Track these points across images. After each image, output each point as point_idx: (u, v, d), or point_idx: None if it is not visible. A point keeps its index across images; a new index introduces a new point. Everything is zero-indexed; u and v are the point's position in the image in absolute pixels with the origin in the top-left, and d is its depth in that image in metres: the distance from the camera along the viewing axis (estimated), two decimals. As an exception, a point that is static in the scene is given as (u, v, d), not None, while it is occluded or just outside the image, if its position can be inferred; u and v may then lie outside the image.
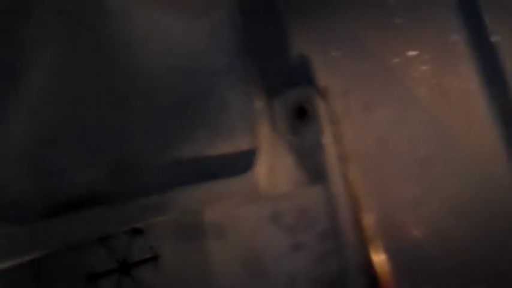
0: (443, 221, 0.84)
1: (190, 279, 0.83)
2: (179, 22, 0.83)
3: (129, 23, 0.82)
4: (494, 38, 0.85)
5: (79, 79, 0.81)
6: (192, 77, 0.83)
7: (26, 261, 0.77)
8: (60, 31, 0.80)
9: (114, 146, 0.82)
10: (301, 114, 0.83)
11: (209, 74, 0.83)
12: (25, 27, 0.79)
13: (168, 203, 0.81)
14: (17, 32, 0.78)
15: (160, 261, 0.83)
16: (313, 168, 0.83)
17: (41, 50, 0.79)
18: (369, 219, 0.84)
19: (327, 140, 0.83)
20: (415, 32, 0.85)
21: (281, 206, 0.81)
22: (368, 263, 0.83)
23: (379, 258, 0.84)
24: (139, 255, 0.83)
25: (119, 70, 0.82)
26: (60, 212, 0.80)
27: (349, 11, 0.86)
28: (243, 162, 0.82)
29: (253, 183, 0.81)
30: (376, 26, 0.85)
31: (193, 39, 0.83)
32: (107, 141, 0.82)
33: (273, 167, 0.81)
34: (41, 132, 0.79)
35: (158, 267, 0.83)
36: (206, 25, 0.82)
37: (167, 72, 0.83)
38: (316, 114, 0.82)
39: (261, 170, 0.81)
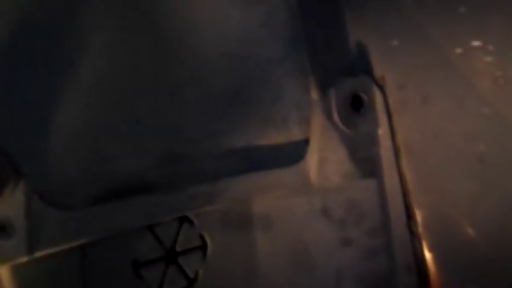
0: (500, 221, 0.81)
1: (236, 269, 0.82)
2: (234, 9, 0.81)
3: (185, 9, 0.80)
4: None
5: (132, 65, 0.79)
6: (246, 65, 0.81)
7: (75, 246, 0.78)
8: (114, 15, 0.78)
9: (166, 134, 0.80)
10: (357, 105, 0.80)
11: (263, 62, 0.81)
12: (82, 11, 0.77)
13: (218, 192, 0.80)
14: (76, 13, 0.77)
15: (207, 250, 0.83)
16: (366, 161, 0.80)
17: (95, 34, 0.78)
18: (420, 216, 0.82)
19: (383, 132, 0.79)
20: (480, 21, 0.80)
21: (331, 199, 0.79)
22: (418, 262, 0.81)
23: (429, 257, 0.81)
24: (187, 244, 0.83)
25: (172, 57, 0.80)
26: (111, 198, 0.79)
27: None
28: (294, 152, 0.79)
29: (304, 175, 0.79)
30: (438, 15, 0.81)
31: (249, 27, 0.81)
32: (158, 129, 0.80)
33: (325, 159, 0.79)
34: (94, 119, 0.78)
35: (205, 256, 0.83)
36: (261, 13, 0.79)
37: (221, 60, 0.81)
38: (372, 105, 0.79)
39: (313, 161, 0.79)
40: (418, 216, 0.82)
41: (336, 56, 0.81)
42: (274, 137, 0.81)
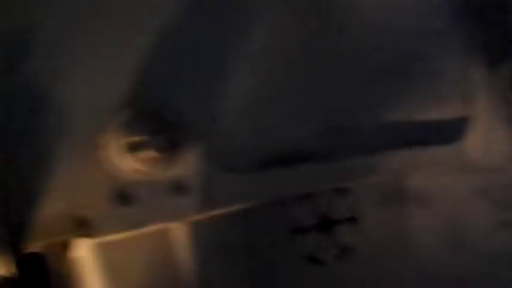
0: None
1: (388, 244, 0.84)
2: None
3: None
4: None
5: (300, 38, 0.80)
6: (410, 40, 0.83)
7: (238, 209, 0.79)
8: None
9: (326, 106, 0.82)
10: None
11: (427, 37, 0.83)
12: None
13: (375, 165, 0.82)
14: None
15: (360, 222, 0.85)
16: None
17: (267, 10, 0.78)
18: None
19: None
20: None
21: (491, 180, 0.82)
22: None
23: None
24: (340, 214, 0.85)
25: (338, 32, 0.81)
26: (274, 164, 0.81)
27: None
28: (454, 130, 0.81)
29: (464, 154, 0.81)
30: None
31: (411, 2, 0.82)
32: (319, 101, 0.81)
33: (487, 139, 0.81)
34: (259, 89, 0.79)
35: (357, 228, 0.85)
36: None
37: (387, 34, 0.82)
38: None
39: (474, 140, 0.81)
40: None
41: (504, 34, 0.82)
42: (435, 113, 0.83)
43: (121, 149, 0.73)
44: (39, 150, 0.72)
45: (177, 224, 0.77)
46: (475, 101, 0.82)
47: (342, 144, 0.82)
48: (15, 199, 0.72)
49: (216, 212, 0.77)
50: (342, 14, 0.82)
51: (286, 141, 0.81)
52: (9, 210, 0.71)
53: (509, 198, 0.83)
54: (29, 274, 0.79)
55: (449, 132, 0.82)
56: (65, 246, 0.84)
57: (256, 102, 0.79)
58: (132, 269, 0.78)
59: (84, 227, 0.75)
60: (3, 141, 0.70)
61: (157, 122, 0.74)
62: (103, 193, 0.73)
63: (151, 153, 0.72)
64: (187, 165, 0.75)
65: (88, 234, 0.74)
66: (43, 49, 0.70)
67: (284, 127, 0.80)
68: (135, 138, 0.73)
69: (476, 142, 0.81)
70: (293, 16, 0.79)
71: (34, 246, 0.79)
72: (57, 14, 0.70)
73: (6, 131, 0.70)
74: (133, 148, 0.73)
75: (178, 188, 0.76)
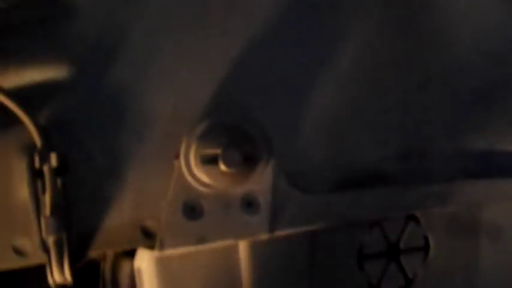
0: None
1: (456, 276, 0.81)
2: (494, 4, 0.79)
3: (449, 4, 0.78)
4: None
5: (386, 57, 0.78)
6: (501, 64, 0.80)
7: (308, 230, 0.76)
8: (377, 6, 0.77)
9: (408, 128, 0.79)
10: None
11: None
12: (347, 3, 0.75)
13: (452, 194, 0.79)
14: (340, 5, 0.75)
15: (430, 252, 0.82)
16: None
17: (357, 25, 0.76)
18: None
19: None
20: None
21: None
22: None
23: None
24: (410, 243, 0.82)
25: (427, 51, 0.78)
26: (346, 187, 0.78)
27: None
28: None
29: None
30: None
31: (507, 24, 0.79)
32: (401, 123, 0.79)
33: None
34: (341, 107, 0.77)
35: (426, 257, 0.82)
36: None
37: (476, 57, 0.79)
38: None
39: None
40: None
41: None
42: None
43: (194, 162, 0.71)
44: (114, 157, 0.70)
45: (243, 242, 0.74)
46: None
47: (420, 169, 0.79)
48: (83, 206, 0.71)
49: (285, 232, 0.74)
50: (429, 35, 0.79)
51: (364, 163, 0.78)
52: (74, 217, 0.70)
53: None
54: (83, 281, 0.77)
55: None
56: (125, 256, 0.83)
57: (337, 120, 0.77)
58: (192, 285, 0.76)
59: (149, 238, 0.73)
60: (80, 144, 0.69)
61: (233, 136, 0.71)
62: (172, 205, 0.71)
63: (224, 168, 0.70)
64: (259, 182, 0.72)
65: (152, 246, 0.72)
66: (130, 55, 0.69)
67: (363, 148, 0.78)
68: (209, 151, 0.71)
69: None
70: (382, 35, 0.77)
71: (94, 254, 0.77)
72: (146, 18, 0.68)
73: (84, 134, 0.69)
74: (207, 161, 0.71)
75: (248, 204, 0.73)
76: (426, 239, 0.82)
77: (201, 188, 0.72)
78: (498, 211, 0.81)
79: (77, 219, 0.70)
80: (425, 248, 0.82)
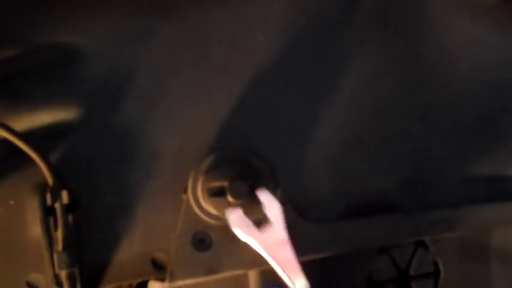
0: None
1: (465, 304, 0.81)
2: (492, 33, 0.80)
3: (446, 34, 0.79)
4: None
5: (387, 90, 0.79)
6: (501, 92, 0.80)
7: (316, 258, 0.77)
8: (376, 39, 0.78)
9: (412, 157, 0.80)
10: None
11: None
12: (347, 32, 0.77)
13: (460, 220, 0.79)
14: (340, 34, 0.77)
15: (440, 278, 0.82)
16: None
17: (358, 54, 0.77)
18: None
19: None
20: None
21: None
22: None
23: None
24: (420, 269, 0.82)
25: (427, 82, 0.80)
26: (354, 215, 0.79)
27: None
28: None
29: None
30: None
31: (506, 53, 0.80)
32: (405, 152, 0.79)
33: None
34: (345, 137, 0.78)
35: (437, 283, 0.82)
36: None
37: (476, 87, 0.80)
38: None
39: None
40: None
41: None
42: None
43: (202, 195, 0.72)
44: (124, 193, 0.72)
45: (253, 271, 0.75)
46: None
47: (426, 196, 0.80)
48: (94, 241, 0.72)
49: (293, 261, 0.75)
50: (429, 66, 0.80)
51: (369, 192, 0.79)
52: (85, 252, 0.71)
53: None
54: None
55: None
56: (137, 288, 0.84)
57: (341, 151, 0.78)
58: (203, 314, 0.77)
59: (160, 271, 0.75)
60: (90, 181, 0.71)
61: (239, 168, 0.73)
62: (181, 237, 0.72)
63: (232, 200, 0.71)
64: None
65: (163, 278, 0.73)
66: (137, 94, 0.71)
67: (368, 178, 0.79)
68: (216, 184, 0.72)
69: None
70: (382, 69, 0.78)
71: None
72: (152, 59, 0.71)
73: (93, 171, 0.71)
74: (214, 194, 0.72)
75: (256, 232, 0.74)
76: (436, 264, 0.82)
77: (209, 220, 0.73)
78: (507, 235, 0.81)
79: (88, 254, 0.71)
80: (436, 274, 0.82)
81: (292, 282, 0.69)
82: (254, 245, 0.70)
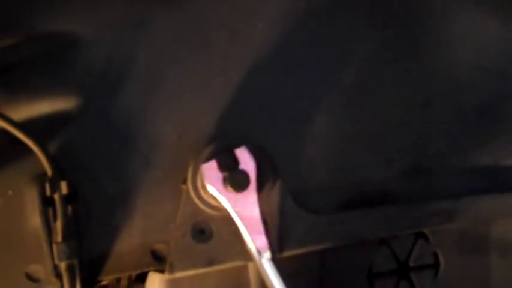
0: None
1: (465, 295, 0.81)
2: (494, 21, 0.80)
3: (448, 22, 0.79)
4: None
5: (387, 77, 0.79)
6: (502, 80, 0.80)
7: (316, 250, 0.77)
8: (377, 26, 0.77)
9: (412, 147, 0.80)
10: None
11: None
12: (346, 19, 0.77)
13: (460, 210, 0.79)
14: (338, 24, 0.77)
15: (440, 269, 0.82)
16: None
17: (356, 45, 0.77)
18: None
19: None
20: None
21: None
22: None
23: None
24: (420, 260, 0.82)
25: (428, 70, 0.79)
26: (353, 206, 0.78)
27: None
28: None
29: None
30: None
31: (508, 40, 0.80)
32: (405, 142, 0.79)
33: None
34: (344, 128, 0.78)
35: (437, 275, 0.82)
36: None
37: (477, 74, 0.80)
38: None
39: None
40: None
41: None
42: None
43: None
44: (123, 183, 0.71)
45: (252, 263, 0.75)
46: None
47: (425, 187, 0.80)
48: (93, 232, 0.72)
49: (294, 251, 0.75)
50: (429, 54, 0.80)
51: (369, 182, 0.78)
52: (85, 243, 0.71)
53: None
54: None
55: None
56: (136, 280, 0.83)
57: (340, 141, 0.78)
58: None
59: (159, 262, 0.74)
60: (89, 172, 0.70)
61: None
62: (181, 228, 0.72)
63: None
64: (266, 203, 0.73)
65: (163, 269, 0.73)
66: (136, 83, 0.70)
67: (368, 168, 0.78)
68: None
69: None
70: (382, 56, 0.78)
71: (106, 279, 0.78)
72: (151, 47, 0.70)
73: (92, 162, 0.70)
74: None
75: (257, 224, 0.74)
76: (436, 256, 0.82)
77: (209, 211, 0.73)
78: (507, 226, 0.81)
79: (88, 245, 0.71)
80: (436, 265, 0.82)
81: (254, 243, 0.70)
82: (224, 203, 0.70)
